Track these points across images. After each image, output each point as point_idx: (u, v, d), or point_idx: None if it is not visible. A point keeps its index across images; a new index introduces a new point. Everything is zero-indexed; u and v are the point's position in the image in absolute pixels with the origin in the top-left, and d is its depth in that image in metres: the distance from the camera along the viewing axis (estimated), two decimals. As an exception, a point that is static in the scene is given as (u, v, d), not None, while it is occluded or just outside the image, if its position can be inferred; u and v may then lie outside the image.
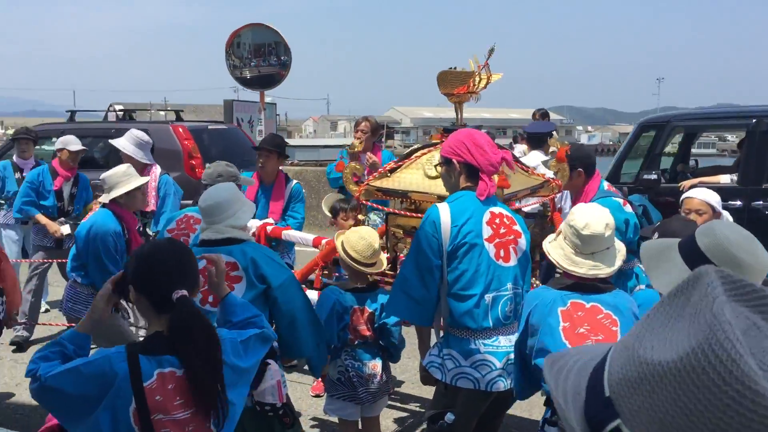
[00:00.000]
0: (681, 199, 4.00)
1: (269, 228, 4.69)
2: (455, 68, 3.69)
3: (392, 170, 3.68)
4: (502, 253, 2.88)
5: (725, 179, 6.29)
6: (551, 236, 2.79)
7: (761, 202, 5.81)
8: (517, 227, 2.98)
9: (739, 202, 5.91)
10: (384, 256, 3.54)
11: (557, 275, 2.74)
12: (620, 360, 0.68)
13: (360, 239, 3.38)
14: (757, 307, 0.62)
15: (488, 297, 2.84)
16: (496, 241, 2.88)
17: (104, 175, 4.23)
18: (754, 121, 6.30)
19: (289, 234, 4.67)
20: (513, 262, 2.91)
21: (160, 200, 5.32)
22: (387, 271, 3.84)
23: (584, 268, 2.56)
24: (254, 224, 4.80)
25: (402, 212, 3.56)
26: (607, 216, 2.62)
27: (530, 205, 3.92)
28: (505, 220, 2.95)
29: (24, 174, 6.57)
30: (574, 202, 4.00)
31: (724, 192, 5.66)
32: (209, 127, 8.90)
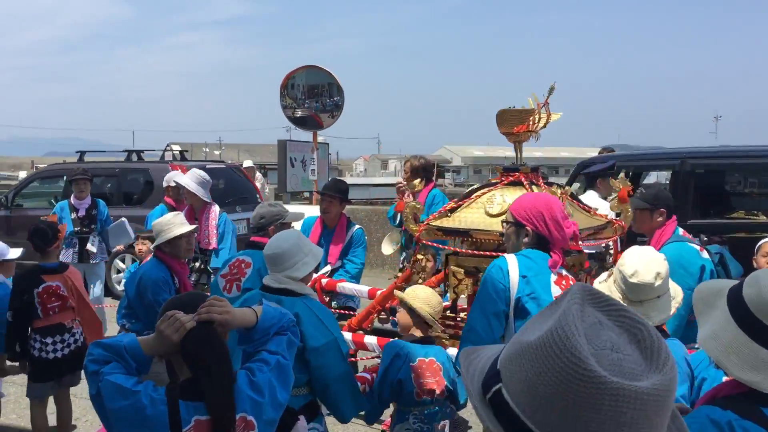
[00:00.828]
0: (758, 245, 4.03)
1: (324, 281, 4.67)
2: (514, 107, 3.70)
3: (452, 210, 3.67)
4: None
5: None
6: (603, 275, 2.67)
7: None
8: None
9: None
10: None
11: None
12: (509, 345, 0.95)
13: (432, 294, 3.31)
14: (605, 310, 0.91)
15: None
16: None
17: (153, 222, 4.37)
18: (679, 162, 6.78)
19: (344, 287, 4.63)
20: None
21: (220, 236, 5.44)
22: (448, 314, 3.81)
23: None
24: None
25: (464, 251, 3.54)
26: (660, 263, 2.49)
27: (592, 245, 3.84)
28: (571, 282, 2.90)
29: (80, 214, 6.68)
30: (649, 244, 3.89)
31: None
32: (207, 166, 9.89)
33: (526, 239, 2.91)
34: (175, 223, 4.23)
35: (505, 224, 3.06)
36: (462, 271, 3.59)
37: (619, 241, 3.83)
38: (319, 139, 11.48)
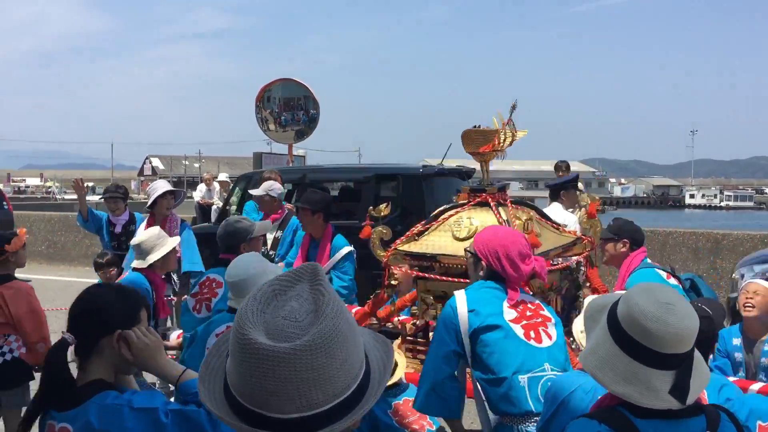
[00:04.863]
0: None
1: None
2: (479, 126, 3.64)
3: (420, 233, 3.59)
4: (532, 334, 2.77)
5: None
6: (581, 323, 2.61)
7: None
8: (545, 312, 2.88)
9: None
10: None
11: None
12: None
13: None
14: (314, 285, 1.11)
15: (522, 378, 2.68)
16: (524, 322, 2.79)
17: (136, 240, 4.21)
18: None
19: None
20: (547, 343, 2.77)
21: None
22: (419, 339, 3.72)
23: None
24: None
25: (432, 276, 3.46)
26: None
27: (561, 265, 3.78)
28: (529, 305, 2.86)
29: (116, 230, 6.29)
30: (618, 274, 4.07)
31: None
32: None
33: (481, 272, 2.91)
34: (164, 236, 4.15)
35: (467, 253, 3.05)
36: (431, 296, 3.51)
37: (590, 257, 3.77)
38: (299, 151, 11.34)
